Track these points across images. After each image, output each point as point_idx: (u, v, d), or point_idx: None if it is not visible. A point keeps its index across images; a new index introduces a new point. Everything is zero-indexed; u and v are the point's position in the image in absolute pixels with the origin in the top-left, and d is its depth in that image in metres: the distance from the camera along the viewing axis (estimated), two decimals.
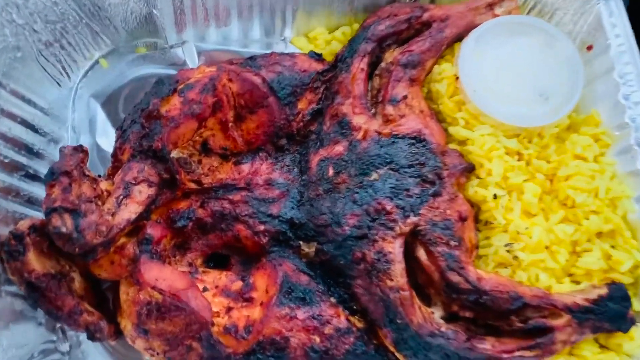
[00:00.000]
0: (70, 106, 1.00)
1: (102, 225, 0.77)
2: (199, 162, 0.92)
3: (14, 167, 0.85)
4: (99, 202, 0.81)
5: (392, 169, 0.86)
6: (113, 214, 0.80)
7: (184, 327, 0.78)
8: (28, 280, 0.77)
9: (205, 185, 0.90)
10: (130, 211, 0.81)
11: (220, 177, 0.92)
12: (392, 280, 0.79)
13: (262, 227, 0.87)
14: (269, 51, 1.00)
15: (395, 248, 0.81)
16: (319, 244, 0.85)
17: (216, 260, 0.91)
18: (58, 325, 0.87)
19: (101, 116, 1.00)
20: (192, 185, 0.90)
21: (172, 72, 1.01)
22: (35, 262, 0.78)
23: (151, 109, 0.86)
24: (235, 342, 0.79)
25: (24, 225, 0.78)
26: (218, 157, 0.93)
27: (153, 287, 0.78)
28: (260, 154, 0.94)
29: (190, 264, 0.87)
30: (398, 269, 0.80)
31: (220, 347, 0.79)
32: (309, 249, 0.86)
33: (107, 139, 0.99)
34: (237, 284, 0.85)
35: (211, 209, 0.88)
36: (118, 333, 0.83)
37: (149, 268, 0.80)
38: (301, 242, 0.86)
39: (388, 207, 0.83)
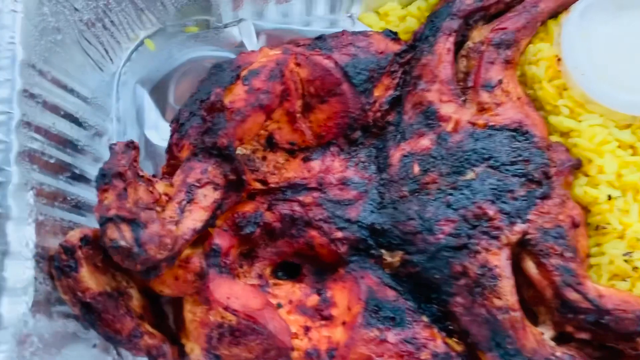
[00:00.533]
0: (114, 94, 0.89)
1: (166, 237, 0.67)
2: (264, 158, 0.82)
3: (59, 168, 0.75)
4: (159, 209, 0.71)
5: (491, 167, 0.75)
6: (176, 223, 0.69)
7: (261, 352, 0.69)
8: (83, 301, 0.67)
9: (272, 185, 0.80)
10: (195, 219, 0.71)
11: (287, 176, 0.81)
12: (500, 298, 0.69)
13: (339, 234, 0.76)
14: (333, 29, 0.89)
15: (501, 261, 0.70)
16: (406, 254, 0.74)
17: (285, 269, 0.81)
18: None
19: (149, 105, 0.89)
20: (257, 185, 0.80)
21: (228, 54, 0.90)
22: (89, 279, 0.68)
23: (214, 100, 0.75)
24: None
25: (74, 236, 0.69)
26: (284, 153, 0.83)
27: (225, 308, 0.68)
28: (332, 149, 0.83)
29: (259, 276, 0.77)
30: (507, 286, 0.69)
31: None
32: (392, 258, 0.76)
33: (156, 131, 0.88)
34: (313, 299, 0.76)
35: (279, 212, 0.78)
36: (182, 355, 0.73)
37: (219, 285, 0.70)
38: (383, 251, 0.76)
39: (490, 212, 0.72)
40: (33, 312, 0.64)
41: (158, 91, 0.89)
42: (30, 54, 0.71)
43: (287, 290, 0.76)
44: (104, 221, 0.66)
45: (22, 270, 0.64)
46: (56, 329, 0.68)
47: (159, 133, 0.88)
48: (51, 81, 0.75)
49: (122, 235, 0.65)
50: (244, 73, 0.79)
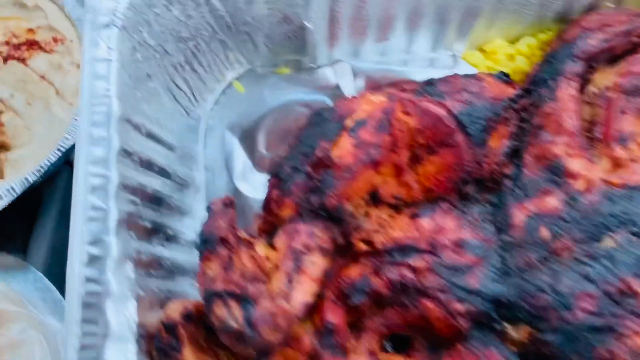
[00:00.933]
0: (201, 141, 0.83)
1: (279, 315, 0.60)
2: (367, 214, 0.74)
3: (153, 231, 0.69)
4: (265, 279, 0.64)
5: (632, 233, 0.67)
6: (286, 297, 0.63)
7: None
8: None
9: (377, 246, 0.73)
10: (305, 291, 0.64)
11: (394, 235, 0.73)
12: None
13: (459, 307, 0.68)
14: (434, 70, 0.82)
15: None
16: (536, 331, 0.66)
17: (392, 339, 0.73)
18: None
19: (238, 153, 0.83)
20: (362, 246, 0.73)
21: (323, 97, 0.84)
22: None
23: (321, 155, 0.69)
24: None
25: (175, 311, 0.62)
26: (388, 208, 0.75)
27: None
28: (442, 205, 0.75)
29: (370, 352, 0.69)
30: None
31: None
32: (517, 333, 0.67)
33: (246, 181, 0.82)
34: None
35: (388, 277, 0.70)
36: None
37: None
38: (507, 325, 0.68)
39: (637, 288, 0.64)
40: None
41: (247, 137, 0.83)
42: (125, 107, 0.65)
43: None
44: (210, 296, 0.60)
45: (125, 355, 0.57)
46: None
47: (249, 183, 0.81)
48: (146, 135, 0.69)
49: (231, 314, 0.59)
50: (349, 123, 0.72)
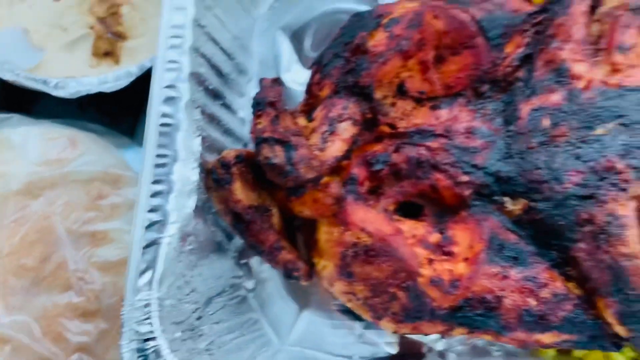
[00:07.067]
0: (256, 37, 0.96)
1: (314, 159, 0.73)
2: (393, 104, 0.86)
3: (215, 95, 0.82)
4: (305, 137, 0.77)
5: (622, 124, 0.77)
6: (321, 150, 0.75)
7: (391, 274, 0.74)
8: (234, 211, 0.74)
9: (400, 130, 0.84)
10: (336, 148, 0.76)
11: (415, 122, 0.85)
12: (625, 246, 0.71)
13: (464, 178, 0.80)
14: None
15: (628, 211, 0.72)
16: (530, 201, 0.77)
17: (404, 210, 0.85)
18: (243, 261, 0.85)
19: (288, 51, 0.95)
20: (386, 129, 0.85)
21: (365, 7, 0.95)
22: (240, 193, 0.75)
23: (358, 42, 0.81)
24: (441, 295, 0.74)
25: (230, 154, 0.76)
26: (412, 101, 0.87)
27: (361, 229, 0.74)
28: (459, 100, 0.86)
29: (385, 211, 0.81)
30: (633, 235, 0.71)
31: (425, 299, 0.74)
32: (514, 206, 0.79)
33: (291, 76, 0.94)
34: (435, 236, 0.80)
35: (406, 154, 0.82)
36: (310, 275, 0.79)
37: (356, 209, 0.75)
38: (506, 199, 0.79)
39: (619, 166, 0.74)
40: (195, 215, 0.71)
41: (295, 38, 0.95)
42: None
43: (410, 226, 0.81)
44: (260, 141, 0.73)
45: (189, 176, 0.71)
46: (207, 235, 0.75)
47: (292, 76, 0.94)
48: (213, 15, 0.82)
49: (275, 154, 0.72)
50: (385, 21, 0.83)
